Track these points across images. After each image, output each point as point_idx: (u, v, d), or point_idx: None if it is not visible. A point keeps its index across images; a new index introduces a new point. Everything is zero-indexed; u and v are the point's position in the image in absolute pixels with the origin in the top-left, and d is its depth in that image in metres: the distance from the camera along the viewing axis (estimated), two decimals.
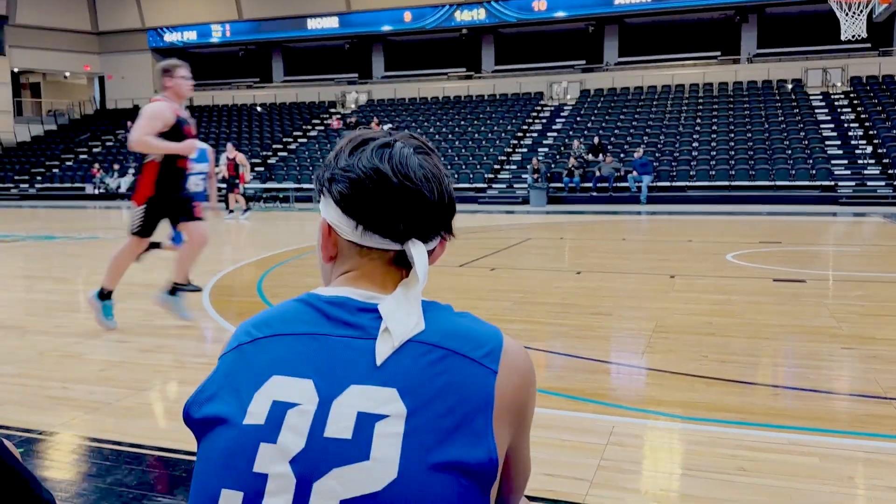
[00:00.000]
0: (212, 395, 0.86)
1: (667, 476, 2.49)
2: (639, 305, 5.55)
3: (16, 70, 34.93)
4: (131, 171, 27.47)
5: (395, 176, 0.88)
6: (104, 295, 4.68)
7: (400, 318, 0.85)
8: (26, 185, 28.78)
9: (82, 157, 30.89)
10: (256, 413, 0.81)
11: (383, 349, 0.83)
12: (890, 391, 3.37)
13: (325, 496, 0.76)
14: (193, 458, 2.58)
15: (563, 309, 5.43)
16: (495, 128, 25.80)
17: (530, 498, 2.27)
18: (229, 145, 15.57)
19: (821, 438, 2.81)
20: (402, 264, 0.93)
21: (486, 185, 22.62)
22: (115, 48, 35.04)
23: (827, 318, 4.97)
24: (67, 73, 37.21)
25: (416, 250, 0.90)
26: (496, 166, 23.61)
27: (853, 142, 21.15)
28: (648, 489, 2.37)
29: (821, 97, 23.83)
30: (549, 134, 25.15)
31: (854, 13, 11.25)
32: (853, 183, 19.37)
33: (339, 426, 0.79)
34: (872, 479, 2.44)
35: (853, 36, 11.65)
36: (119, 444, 2.78)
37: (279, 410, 0.80)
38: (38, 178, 29.25)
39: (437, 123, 27.06)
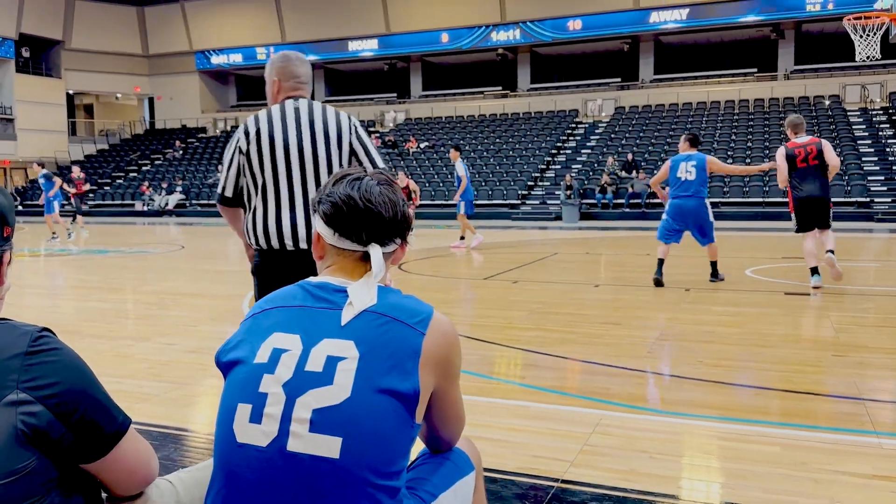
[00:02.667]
0: (234, 346, 1.30)
1: (639, 459, 2.81)
2: (648, 316, 5.84)
3: (70, 92, 36.59)
4: (178, 189, 28.56)
5: (360, 201, 1.30)
6: None
7: (360, 296, 1.27)
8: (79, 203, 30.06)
9: (132, 175, 32.17)
10: (262, 356, 1.24)
11: (347, 315, 1.25)
12: (865, 393, 3.63)
13: (303, 407, 1.18)
14: None
15: (576, 319, 5.75)
16: (530, 145, 26.16)
17: (514, 474, 2.64)
18: (401, 174, 14.62)
19: (786, 431, 3.09)
20: (367, 261, 1.34)
21: (519, 202, 22.95)
22: (164, 70, 36.48)
23: (827, 328, 5.20)
24: (119, 95, 38.81)
25: (374, 252, 1.32)
26: (530, 183, 23.93)
27: (891, 158, 20.92)
28: (621, 468, 2.70)
29: (858, 113, 23.62)
30: (583, 151, 25.40)
31: (868, 35, 11.36)
32: (890, 199, 19.17)
33: (314, 364, 1.21)
34: (825, 465, 2.73)
35: (868, 57, 11.76)
36: (166, 427, 3.21)
37: (276, 354, 1.23)
38: (91, 195, 30.54)
39: (473, 141, 27.53)
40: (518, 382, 3.92)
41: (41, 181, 16.06)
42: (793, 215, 7.20)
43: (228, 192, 2.68)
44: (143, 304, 6.77)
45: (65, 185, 18.33)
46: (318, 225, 1.35)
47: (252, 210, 2.62)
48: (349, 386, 1.17)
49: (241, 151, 2.61)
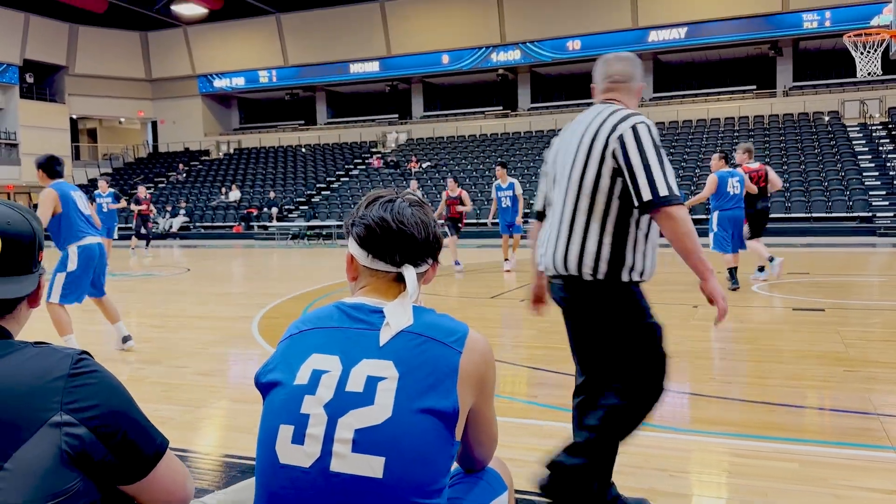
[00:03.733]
0: (273, 368, 1.32)
1: (658, 477, 2.81)
2: None
3: (74, 117, 36.87)
4: (182, 211, 28.67)
5: (393, 223, 1.33)
6: None
7: (397, 316, 1.29)
8: None
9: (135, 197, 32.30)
10: (302, 377, 1.26)
11: (385, 336, 1.27)
12: (880, 408, 3.63)
13: (345, 428, 1.20)
14: (244, 461, 3.01)
15: None
16: (532, 164, 26.27)
17: (534, 494, 2.64)
18: (450, 181, 12.49)
19: (803, 447, 3.10)
20: (401, 281, 1.36)
21: (523, 220, 22.98)
22: (167, 94, 36.78)
23: (837, 343, 5.20)
24: (122, 119, 39.09)
25: (408, 273, 1.34)
26: (532, 201, 23.98)
27: (892, 172, 21.00)
28: (641, 487, 2.71)
29: (858, 128, 23.74)
30: None
31: (869, 51, 11.47)
32: (892, 214, 19.22)
33: (355, 384, 1.23)
34: (845, 480, 2.73)
35: (868, 73, 11.87)
36: (184, 451, 3.22)
37: (317, 375, 1.25)
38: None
39: (475, 161, 27.66)
40: (532, 401, 3.92)
41: (106, 201, 14.30)
42: (746, 225, 8.76)
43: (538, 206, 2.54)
44: (151, 328, 6.78)
45: (131, 205, 17.85)
46: (352, 247, 1.38)
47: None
48: (390, 405, 1.19)
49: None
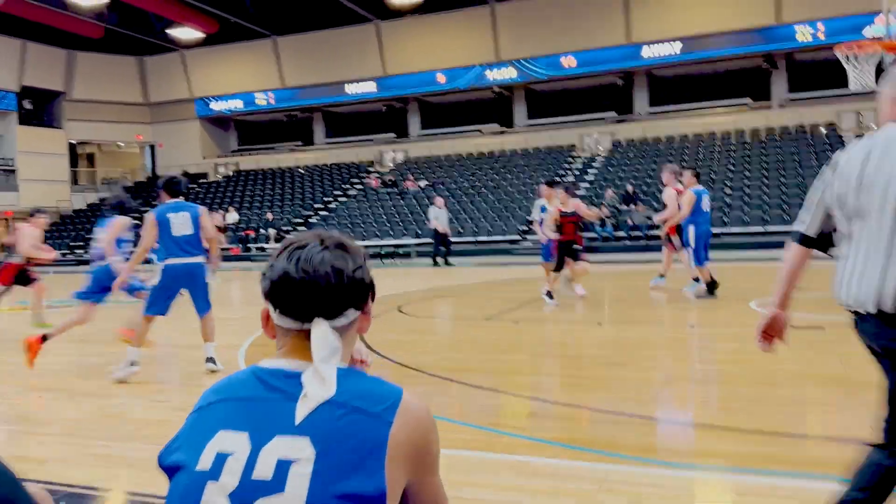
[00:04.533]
0: (176, 448, 1.17)
1: None
2: (654, 355, 5.71)
3: (72, 142, 36.93)
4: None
5: (297, 272, 1.16)
6: None
7: (315, 385, 1.11)
8: (81, 252, 30.11)
9: (135, 222, 32.20)
10: (205, 461, 1.10)
11: (301, 410, 1.10)
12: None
13: None
14: None
15: (579, 361, 5.62)
16: (528, 180, 26.21)
17: None
18: (561, 193, 10.24)
19: (803, 483, 2.95)
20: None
21: (519, 237, 22.90)
22: (165, 118, 36.86)
23: (837, 364, 5.06)
24: (121, 143, 39.15)
25: (317, 329, 1.15)
26: (529, 218, 23.90)
27: None
28: None
29: (855, 139, 23.67)
30: (581, 185, 25.42)
31: (862, 64, 11.41)
32: None
33: (263, 469, 1.06)
34: None
35: (862, 86, 11.78)
36: (153, 496, 3.08)
37: (221, 458, 1.09)
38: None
39: (472, 178, 27.62)
40: (521, 435, 3.77)
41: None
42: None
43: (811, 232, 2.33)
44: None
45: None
46: (264, 302, 1.24)
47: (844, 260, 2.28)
48: (304, 494, 1.04)
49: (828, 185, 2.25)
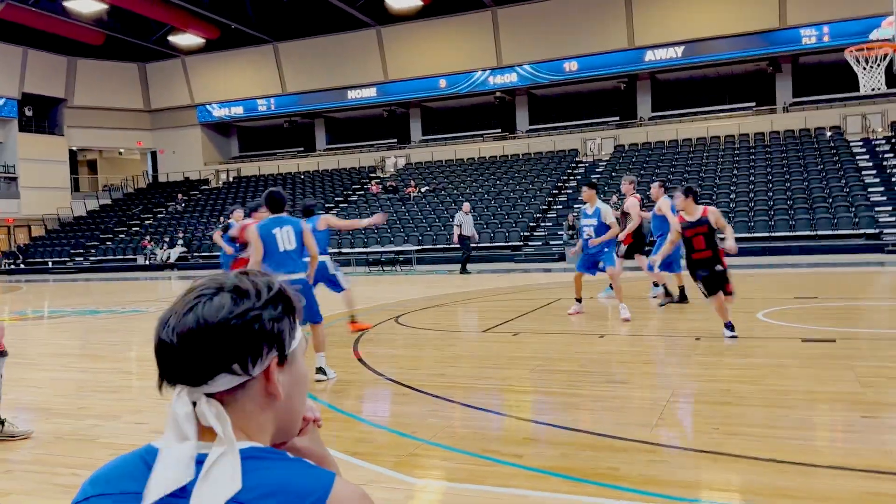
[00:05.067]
0: None
1: None
2: (657, 372, 5.46)
3: (74, 149, 36.83)
4: (180, 242, 28.41)
5: (165, 334, 0.88)
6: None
7: (212, 479, 0.82)
8: (81, 259, 29.95)
9: (135, 229, 32.10)
10: None
11: None
12: None
13: None
14: None
15: (579, 377, 5.37)
16: (531, 186, 25.99)
17: None
18: (625, 182, 10.43)
19: None
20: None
21: (521, 243, 22.66)
22: (166, 124, 36.75)
23: (852, 382, 4.80)
24: (122, 150, 39.04)
25: (180, 403, 0.87)
26: (532, 224, 23.68)
27: None
28: None
29: (861, 143, 23.41)
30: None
31: (872, 66, 11.16)
32: None
33: None
34: None
35: (872, 89, 11.54)
36: None
37: None
38: (93, 251, 30.45)
39: (474, 184, 27.39)
40: (516, 464, 3.53)
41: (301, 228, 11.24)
42: (624, 247, 9.65)
43: None
44: (122, 374, 6.42)
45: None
46: None
47: None
48: None
49: None
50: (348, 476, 3.42)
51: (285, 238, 5.44)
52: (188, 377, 0.87)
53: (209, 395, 0.87)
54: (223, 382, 0.87)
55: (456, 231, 17.88)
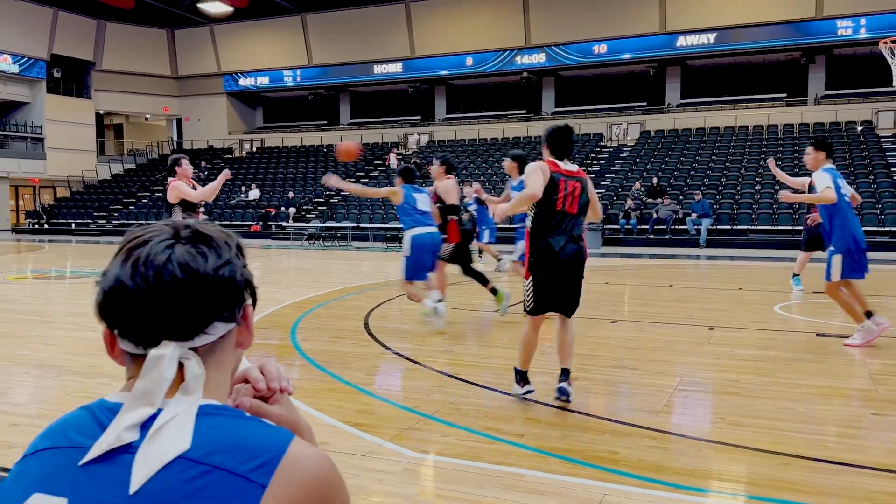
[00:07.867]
0: None
1: None
2: (667, 359, 5.41)
3: (100, 112, 37.12)
4: (201, 209, 28.57)
5: (131, 279, 0.84)
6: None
7: (160, 438, 0.80)
8: (104, 222, 30.30)
9: (158, 194, 32.36)
10: None
11: (138, 476, 0.78)
12: None
13: None
14: None
15: (589, 361, 5.33)
16: None
17: None
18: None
19: None
20: (179, 366, 0.85)
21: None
22: (192, 91, 36.88)
23: (864, 378, 4.72)
24: (148, 116, 39.29)
25: (156, 356, 0.83)
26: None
27: None
28: None
29: (892, 139, 22.90)
30: (607, 175, 24.95)
31: None
32: None
33: None
34: None
35: None
36: None
37: None
38: (116, 214, 30.78)
39: (496, 165, 27.22)
40: (516, 443, 3.51)
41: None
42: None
43: None
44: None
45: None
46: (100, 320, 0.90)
47: None
48: None
49: None
50: (345, 446, 3.42)
51: (423, 201, 6.68)
52: (179, 332, 0.85)
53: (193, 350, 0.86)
54: (208, 336, 0.86)
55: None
